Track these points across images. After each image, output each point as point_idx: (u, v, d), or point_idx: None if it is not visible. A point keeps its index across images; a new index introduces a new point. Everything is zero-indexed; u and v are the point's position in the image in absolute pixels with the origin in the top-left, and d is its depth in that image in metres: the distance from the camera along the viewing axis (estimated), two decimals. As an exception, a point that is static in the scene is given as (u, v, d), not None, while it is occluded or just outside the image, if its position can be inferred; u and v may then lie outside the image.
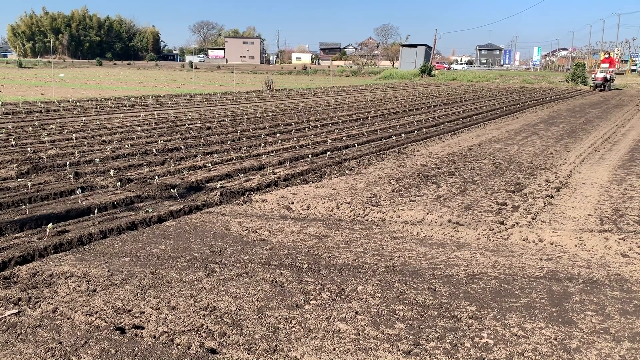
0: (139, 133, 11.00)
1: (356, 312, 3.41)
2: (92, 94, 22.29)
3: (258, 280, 3.89)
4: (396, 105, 19.99)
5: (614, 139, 12.41)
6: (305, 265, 4.19)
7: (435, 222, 5.46)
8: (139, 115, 14.38)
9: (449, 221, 5.48)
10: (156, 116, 14.28)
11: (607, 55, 35.82)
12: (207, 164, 8.00)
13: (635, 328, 3.31)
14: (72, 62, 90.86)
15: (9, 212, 5.36)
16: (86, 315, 3.26)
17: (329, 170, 7.86)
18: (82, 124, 12.26)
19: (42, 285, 3.72)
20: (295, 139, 10.93)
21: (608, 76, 33.10)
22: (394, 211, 5.75)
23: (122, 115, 14.34)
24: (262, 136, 11.11)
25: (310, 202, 6.01)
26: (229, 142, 10.20)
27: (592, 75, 34.44)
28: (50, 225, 4.76)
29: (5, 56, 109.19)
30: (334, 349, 2.96)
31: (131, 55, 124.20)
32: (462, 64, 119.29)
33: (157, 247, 4.58)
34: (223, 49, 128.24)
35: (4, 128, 11.14)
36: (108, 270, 4.01)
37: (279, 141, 10.42)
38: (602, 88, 33.20)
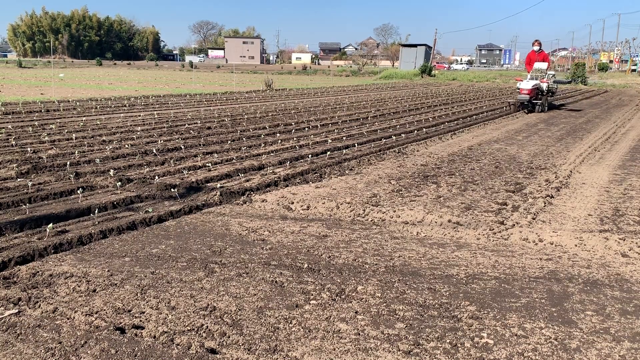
0: (138, 133, 11.00)
1: (356, 312, 3.41)
2: (92, 94, 22.29)
3: (258, 280, 3.89)
4: (396, 105, 19.99)
5: (614, 138, 12.41)
6: (305, 265, 4.19)
7: (435, 222, 5.46)
8: (139, 115, 14.38)
9: (449, 221, 5.48)
10: (156, 116, 14.28)
11: (538, 48, 18.74)
12: (207, 164, 8.00)
13: (635, 328, 3.31)
14: (72, 62, 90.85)
15: (9, 212, 5.36)
16: (86, 315, 3.26)
17: (329, 170, 7.86)
18: (82, 123, 12.26)
19: (42, 285, 3.72)
20: (295, 138, 10.93)
21: (544, 85, 17.83)
22: (394, 211, 5.75)
23: (122, 115, 14.34)
24: (262, 136, 11.11)
25: (310, 202, 6.01)
26: (229, 142, 10.20)
27: (517, 85, 18.36)
28: (50, 225, 4.76)
29: (5, 56, 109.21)
30: (334, 349, 2.96)
31: (131, 55, 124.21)
32: (462, 63, 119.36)
33: (157, 247, 4.58)
34: (223, 48, 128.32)
35: (4, 128, 11.13)
36: (108, 270, 4.01)
37: (279, 141, 10.43)
38: (531, 108, 17.69)
